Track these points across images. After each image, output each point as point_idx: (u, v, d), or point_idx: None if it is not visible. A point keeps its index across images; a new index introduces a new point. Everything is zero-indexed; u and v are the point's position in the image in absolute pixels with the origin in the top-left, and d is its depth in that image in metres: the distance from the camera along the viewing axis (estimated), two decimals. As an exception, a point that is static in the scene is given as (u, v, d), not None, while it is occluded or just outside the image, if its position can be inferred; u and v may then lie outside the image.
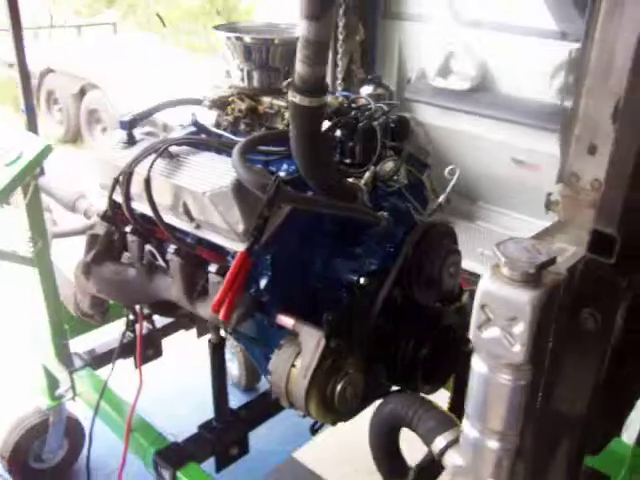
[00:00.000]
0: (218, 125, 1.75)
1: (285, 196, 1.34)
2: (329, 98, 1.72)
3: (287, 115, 1.64)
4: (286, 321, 1.51)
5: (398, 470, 1.55)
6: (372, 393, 1.63)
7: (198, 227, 1.55)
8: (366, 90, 1.90)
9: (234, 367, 2.98)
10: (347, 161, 1.65)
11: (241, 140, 1.56)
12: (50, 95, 6.84)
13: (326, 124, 1.68)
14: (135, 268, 1.74)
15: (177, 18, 9.22)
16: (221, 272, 1.48)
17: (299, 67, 1.21)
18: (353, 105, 1.75)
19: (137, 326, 1.97)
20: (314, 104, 1.24)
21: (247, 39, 1.65)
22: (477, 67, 2.90)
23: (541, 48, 2.67)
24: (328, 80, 2.03)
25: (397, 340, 1.57)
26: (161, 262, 1.66)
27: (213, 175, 1.47)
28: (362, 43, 3.01)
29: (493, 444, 1.08)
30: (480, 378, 1.06)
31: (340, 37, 2.98)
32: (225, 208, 1.43)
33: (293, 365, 1.48)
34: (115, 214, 1.72)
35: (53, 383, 2.35)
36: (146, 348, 2.33)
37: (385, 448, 1.45)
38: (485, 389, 1.06)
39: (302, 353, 1.47)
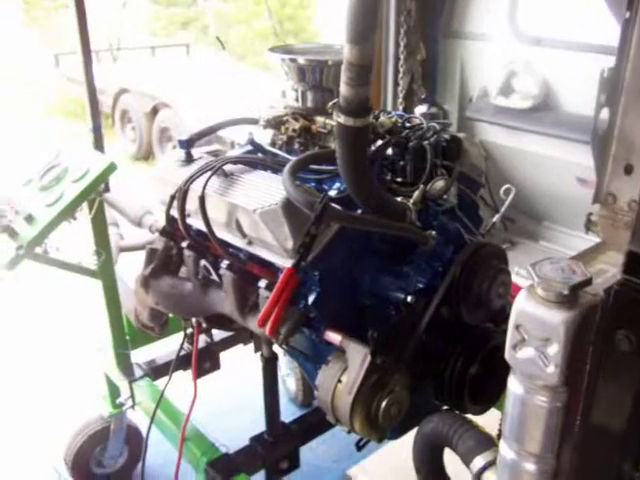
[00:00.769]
0: (273, 144, 1.80)
1: (332, 214, 1.37)
2: (383, 118, 1.75)
3: (338, 135, 1.67)
4: (333, 337, 1.53)
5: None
6: (421, 412, 1.63)
7: (250, 243, 1.60)
8: (420, 109, 1.92)
9: (292, 382, 3.02)
10: (398, 180, 1.67)
11: (289, 159, 1.62)
12: (124, 114, 7.13)
13: (379, 143, 1.71)
14: (191, 282, 1.80)
15: (249, 39, 9.47)
16: (270, 287, 1.52)
17: (343, 89, 1.24)
18: (407, 124, 1.78)
19: (194, 339, 2.03)
20: (358, 124, 1.27)
21: (301, 60, 1.70)
22: (539, 85, 2.86)
23: (603, 64, 2.62)
24: (390, 99, 2.06)
25: (445, 359, 1.57)
26: (215, 277, 1.71)
27: (265, 193, 1.51)
28: (423, 62, 3.02)
29: (530, 466, 1.07)
30: (516, 399, 1.05)
31: (401, 56, 3.01)
32: (275, 225, 1.46)
33: (339, 381, 1.50)
34: (173, 229, 1.79)
35: (114, 392, 2.44)
36: (204, 361, 2.39)
37: (428, 467, 1.45)
38: (521, 410, 1.05)
39: (348, 369, 1.49)
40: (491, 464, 1.18)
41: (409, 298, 1.52)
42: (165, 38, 10.46)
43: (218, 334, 2.41)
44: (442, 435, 1.29)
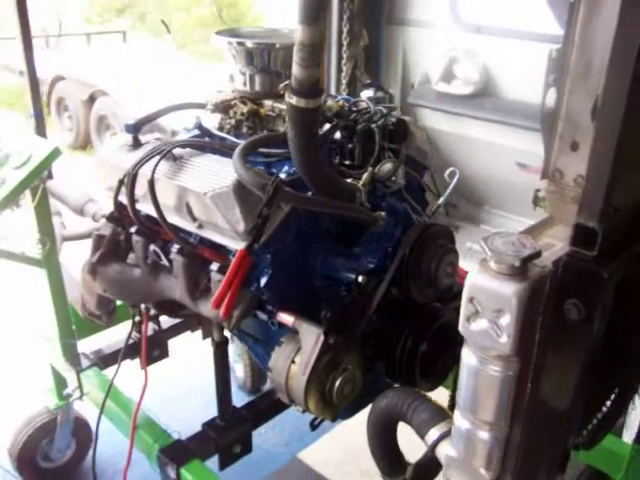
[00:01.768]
0: (221, 128, 1.79)
1: (284, 196, 1.38)
2: (330, 102, 1.77)
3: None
4: (286, 318, 1.55)
5: (396, 466, 1.57)
6: (372, 391, 1.66)
7: (200, 227, 1.59)
8: (366, 94, 1.94)
9: (240, 369, 3.02)
10: (347, 162, 1.69)
11: (238, 142, 1.62)
12: (60, 102, 6.93)
13: (327, 126, 1.72)
14: (140, 268, 1.78)
15: (188, 26, 9.33)
16: (222, 271, 1.52)
17: (295, 70, 1.25)
18: (353, 108, 1.80)
19: (142, 326, 2.01)
20: (310, 105, 1.28)
21: (249, 44, 1.69)
22: (480, 72, 2.93)
23: (544, 52, 2.69)
24: (333, 85, 2.07)
25: (396, 337, 1.61)
26: (165, 262, 1.69)
27: (215, 176, 1.51)
28: (366, 49, 3.04)
29: (484, 435, 1.11)
30: (470, 370, 1.08)
31: (344, 43, 3.03)
32: (226, 208, 1.46)
33: (293, 361, 1.51)
34: (121, 215, 1.77)
35: (61, 383, 2.39)
36: (152, 349, 2.37)
37: (382, 443, 1.47)
38: (475, 380, 1.08)
39: (302, 349, 1.50)
40: (446, 435, 1.21)
41: (360, 278, 1.54)
42: (100, 25, 10.20)
43: (166, 321, 2.40)
44: (396, 410, 1.31)
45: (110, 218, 1.80)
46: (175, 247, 1.63)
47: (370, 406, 1.44)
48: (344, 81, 2.98)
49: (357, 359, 1.55)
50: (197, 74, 6.32)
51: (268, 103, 1.72)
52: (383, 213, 1.56)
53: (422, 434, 1.25)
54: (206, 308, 1.63)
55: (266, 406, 2.13)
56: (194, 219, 1.59)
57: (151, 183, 1.56)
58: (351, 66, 2.99)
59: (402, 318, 1.62)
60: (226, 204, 1.46)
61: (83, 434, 2.56)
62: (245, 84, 1.77)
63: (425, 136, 1.92)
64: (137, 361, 2.19)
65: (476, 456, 1.14)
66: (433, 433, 1.23)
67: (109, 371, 2.33)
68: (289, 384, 1.52)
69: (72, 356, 2.28)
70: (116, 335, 2.42)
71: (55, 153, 1.87)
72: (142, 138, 1.76)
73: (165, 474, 1.89)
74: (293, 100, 1.28)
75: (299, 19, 1.17)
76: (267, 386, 3.01)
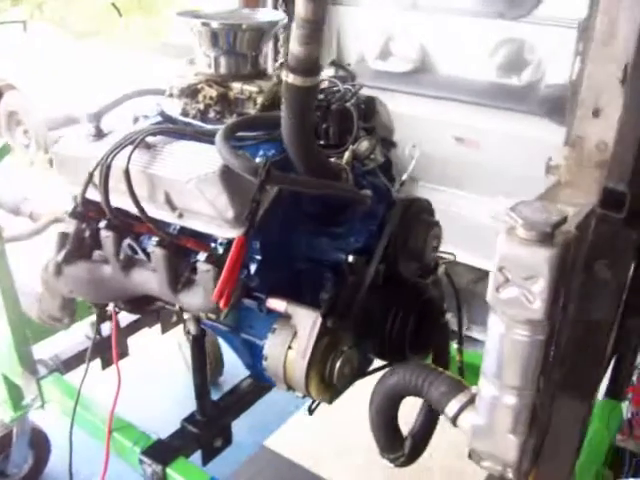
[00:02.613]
0: (186, 114, 1.72)
1: (277, 179, 1.34)
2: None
3: (259, 100, 1.63)
4: (277, 304, 1.52)
5: (396, 443, 1.59)
6: (360, 370, 1.67)
7: (181, 216, 1.52)
8: (328, 73, 1.92)
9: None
10: (321, 142, 1.67)
11: (214, 127, 1.57)
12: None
13: None
14: (110, 264, 1.69)
15: (91, 16, 8.92)
16: (209, 260, 1.47)
17: (294, 47, 1.22)
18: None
19: (112, 323, 1.92)
20: (308, 84, 1.25)
21: (214, 25, 1.63)
22: (417, 49, 2.96)
23: (479, 27, 2.76)
24: (270, 68, 2.05)
25: (384, 315, 1.61)
26: (141, 256, 1.62)
27: (196, 162, 1.45)
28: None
29: (511, 400, 1.13)
30: (498, 337, 1.10)
31: (279, 24, 2.98)
32: (213, 195, 1.41)
33: (290, 347, 1.49)
34: (85, 211, 1.67)
35: (15, 393, 2.26)
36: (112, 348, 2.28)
37: (387, 420, 1.48)
38: (504, 347, 1.10)
39: (298, 334, 1.48)
40: (466, 405, 1.23)
41: (350, 258, 1.53)
42: (-7, 15, 9.57)
43: (122, 319, 2.31)
44: (410, 385, 1.32)
45: (73, 214, 1.70)
46: (153, 240, 1.56)
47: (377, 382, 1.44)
48: (279, 62, 2.93)
49: (352, 339, 1.54)
50: (106, 63, 6.07)
51: (236, 86, 1.67)
52: (369, 191, 1.55)
53: (442, 407, 1.26)
54: (190, 300, 1.57)
55: (243, 395, 2.09)
56: (173, 209, 1.52)
57: (127, 173, 1.48)
58: (287, 47, 2.94)
59: (389, 295, 1.62)
60: (212, 191, 1.41)
61: (40, 446, 2.44)
62: (210, 67, 1.70)
63: (389, 113, 1.93)
64: (94, 363, 2.10)
65: (503, 422, 1.16)
66: (454, 404, 1.24)
67: (68, 377, 2.23)
68: (287, 370, 1.50)
69: (29, 364, 2.15)
70: (64, 338, 2.31)
71: (4, 150, 1.75)
72: (104, 128, 1.67)
73: (149, 476, 1.82)
74: (290, 78, 1.24)
75: (300, -7, 1.14)
76: (226, 380, 2.97)
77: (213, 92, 1.66)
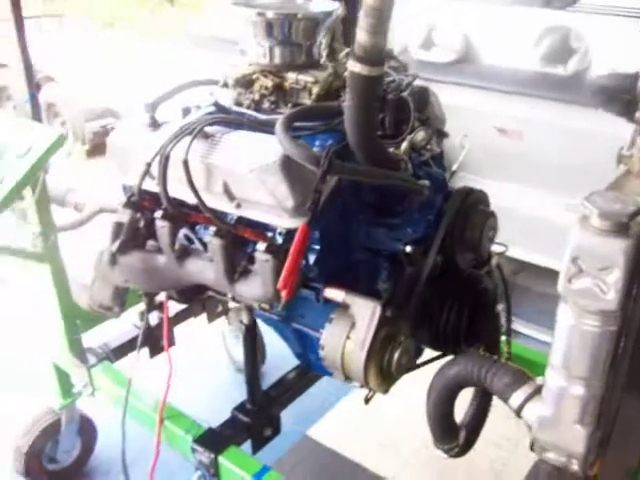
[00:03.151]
0: (239, 104, 1.73)
1: (338, 168, 1.34)
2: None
3: (314, 90, 1.63)
4: (335, 294, 1.52)
5: (452, 433, 1.59)
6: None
7: (239, 206, 1.53)
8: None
9: (238, 351, 2.95)
10: (378, 133, 1.66)
11: (271, 117, 1.57)
12: (2, 91, 6.54)
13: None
14: (164, 254, 1.71)
15: (122, 5, 9.02)
16: (269, 250, 1.47)
17: (362, 36, 1.21)
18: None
19: (161, 313, 1.94)
20: (374, 73, 1.25)
21: (270, 14, 1.63)
22: (460, 39, 2.93)
23: (524, 16, 2.73)
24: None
25: (440, 306, 1.61)
26: (197, 245, 1.64)
27: (256, 152, 1.45)
28: (343, 20, 2.99)
29: (579, 391, 1.12)
30: (568, 328, 1.09)
31: (319, 15, 2.97)
32: (273, 184, 1.41)
33: (348, 337, 1.49)
34: (141, 200, 1.69)
35: (65, 381, 2.29)
36: (160, 338, 2.30)
37: (444, 411, 1.48)
38: (573, 338, 1.09)
39: (356, 324, 1.48)
40: (531, 397, 1.22)
41: (408, 248, 1.53)
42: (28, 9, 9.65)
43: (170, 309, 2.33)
44: (472, 376, 1.31)
45: (128, 204, 1.72)
46: (211, 230, 1.57)
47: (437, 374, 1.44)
48: (324, 54, 2.92)
49: (409, 330, 1.54)
50: (139, 54, 6.12)
51: (292, 76, 1.66)
52: (427, 182, 1.54)
53: (505, 398, 1.26)
54: (246, 289, 1.58)
55: (290, 386, 2.10)
56: (231, 198, 1.53)
57: (186, 163, 1.49)
58: (329, 38, 2.93)
59: (445, 285, 1.61)
60: (273, 180, 1.41)
61: (87, 433, 2.47)
62: (264, 57, 1.70)
63: (440, 103, 1.91)
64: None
65: (570, 413, 1.15)
66: (518, 395, 1.24)
67: (117, 365, 2.25)
68: (345, 360, 1.50)
69: (79, 352, 2.18)
70: (111, 327, 2.34)
71: (60, 140, 1.77)
72: (159, 118, 1.68)
73: (201, 464, 1.84)
74: (357, 68, 1.24)
75: (370, -19, 1.13)
76: (268, 368, 2.98)
77: (269, 82, 1.66)
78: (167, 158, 1.51)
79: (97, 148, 5.55)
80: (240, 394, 2.06)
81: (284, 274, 1.35)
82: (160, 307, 2.18)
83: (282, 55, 1.69)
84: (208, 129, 1.55)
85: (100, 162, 5.21)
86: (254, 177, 1.43)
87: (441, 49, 3.00)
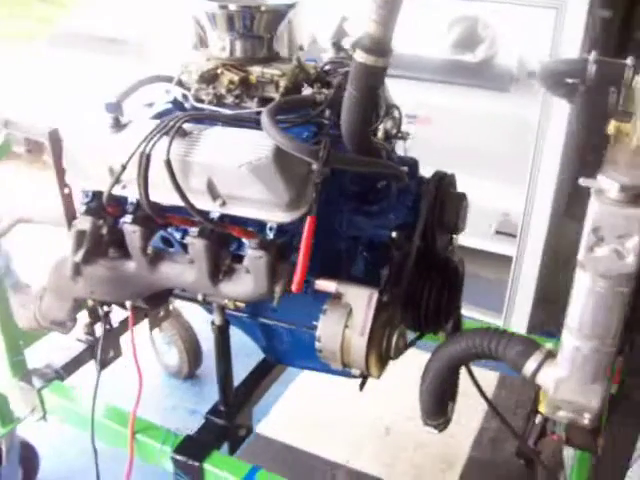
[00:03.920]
0: (199, 100, 1.68)
1: (337, 159, 1.35)
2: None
3: (282, 83, 1.62)
4: (327, 285, 1.53)
5: (444, 407, 1.65)
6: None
7: (223, 204, 1.49)
8: (327, 55, 1.93)
9: (172, 356, 2.87)
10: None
11: (245, 112, 1.55)
12: None
13: (308, 90, 1.69)
14: (134, 260, 1.63)
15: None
16: (262, 246, 1.45)
17: (372, 27, 1.22)
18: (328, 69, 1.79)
19: (129, 321, 1.86)
20: (379, 64, 1.27)
21: (232, 7, 1.60)
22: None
23: (435, 6, 2.84)
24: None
25: (420, 288, 1.66)
26: (177, 247, 1.58)
27: (243, 147, 1.42)
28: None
29: (595, 349, 1.22)
30: (585, 292, 1.18)
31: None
32: (267, 179, 1.39)
33: (346, 326, 1.50)
34: (105, 205, 1.61)
35: (3, 407, 2.13)
36: (107, 350, 2.20)
37: (446, 385, 1.54)
38: (591, 301, 1.18)
39: (353, 312, 1.50)
40: (544, 361, 1.30)
41: (394, 234, 1.57)
42: None
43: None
44: (481, 349, 1.37)
45: (89, 211, 1.63)
46: (193, 230, 1.52)
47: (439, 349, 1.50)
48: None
49: (400, 313, 1.58)
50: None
51: (257, 69, 1.64)
52: (405, 168, 1.59)
53: (519, 365, 1.33)
54: (233, 289, 1.55)
55: (259, 380, 2.08)
56: (215, 197, 1.49)
57: (168, 163, 1.43)
58: (289, 30, 2.91)
59: (423, 268, 1.67)
60: (267, 175, 1.39)
61: (29, 460, 2.31)
62: (224, 50, 1.67)
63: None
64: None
65: (588, 371, 1.24)
66: (532, 361, 1.31)
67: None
68: (345, 349, 1.51)
69: (24, 374, 2.03)
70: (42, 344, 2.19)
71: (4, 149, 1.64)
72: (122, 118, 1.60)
73: (183, 475, 1.78)
74: (363, 58, 1.25)
75: (383, -29, 1.14)
76: (204, 372, 2.91)
77: (234, 77, 1.62)
78: (148, 158, 1.44)
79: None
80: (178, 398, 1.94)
81: (299, 269, 1.34)
82: (107, 317, 2.08)
83: (244, 49, 1.66)
84: (185, 126, 1.50)
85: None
86: (244, 172, 1.40)
87: (353, 39, 3.05)
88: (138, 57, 3.86)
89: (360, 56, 1.26)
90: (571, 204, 3.49)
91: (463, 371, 1.62)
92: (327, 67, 1.85)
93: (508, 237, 3.26)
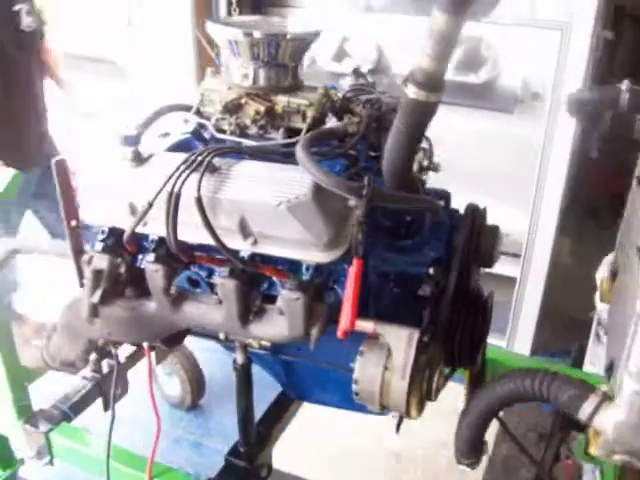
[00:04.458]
0: (220, 130, 1.61)
1: (380, 196, 1.29)
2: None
3: (309, 113, 1.56)
4: (365, 325, 1.46)
5: (479, 447, 1.60)
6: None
7: (255, 243, 1.43)
8: (347, 82, 1.88)
9: (174, 386, 2.78)
10: (372, 154, 1.63)
11: (272, 144, 1.50)
12: None
13: (333, 120, 1.63)
14: (155, 300, 1.55)
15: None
16: (299, 287, 1.39)
17: (426, 61, 1.17)
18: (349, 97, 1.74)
19: (146, 359, 1.78)
20: (431, 99, 1.21)
21: (257, 35, 1.53)
22: (373, 49, 2.96)
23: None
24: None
25: (455, 323, 1.60)
26: (204, 288, 1.51)
27: (279, 184, 1.36)
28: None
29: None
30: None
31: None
32: (305, 217, 1.33)
33: (386, 368, 1.44)
34: (119, 244, 1.53)
35: (3, 450, 2.02)
36: (115, 387, 2.09)
37: (485, 425, 1.49)
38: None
39: (393, 354, 1.43)
40: (600, 404, 1.25)
41: (431, 270, 1.51)
42: None
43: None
44: (530, 391, 1.32)
45: (106, 249, 1.55)
46: (223, 270, 1.44)
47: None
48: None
49: (441, 352, 1.52)
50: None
51: (282, 99, 1.58)
52: (442, 202, 1.53)
53: (574, 409, 1.28)
54: (265, 330, 1.48)
55: (278, 418, 2.00)
56: (247, 235, 1.42)
57: (199, 201, 1.36)
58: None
59: (457, 302, 1.61)
60: (305, 213, 1.33)
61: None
62: (247, 79, 1.60)
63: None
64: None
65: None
66: (589, 405, 1.26)
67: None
68: (384, 392, 1.44)
69: (30, 417, 1.92)
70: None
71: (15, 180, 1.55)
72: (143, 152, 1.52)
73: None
74: (414, 93, 1.20)
75: (442, 6, 1.09)
76: (207, 401, 2.83)
77: (261, 107, 1.56)
78: (178, 197, 1.37)
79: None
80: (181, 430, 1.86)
81: (350, 312, 1.28)
82: (110, 355, 1.99)
83: (268, 77, 1.60)
84: (214, 161, 1.43)
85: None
86: (281, 211, 1.33)
87: (353, 60, 3.02)
88: (115, 76, 3.78)
89: (412, 91, 1.20)
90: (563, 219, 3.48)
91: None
92: (349, 94, 1.78)
93: (509, 257, 3.23)
